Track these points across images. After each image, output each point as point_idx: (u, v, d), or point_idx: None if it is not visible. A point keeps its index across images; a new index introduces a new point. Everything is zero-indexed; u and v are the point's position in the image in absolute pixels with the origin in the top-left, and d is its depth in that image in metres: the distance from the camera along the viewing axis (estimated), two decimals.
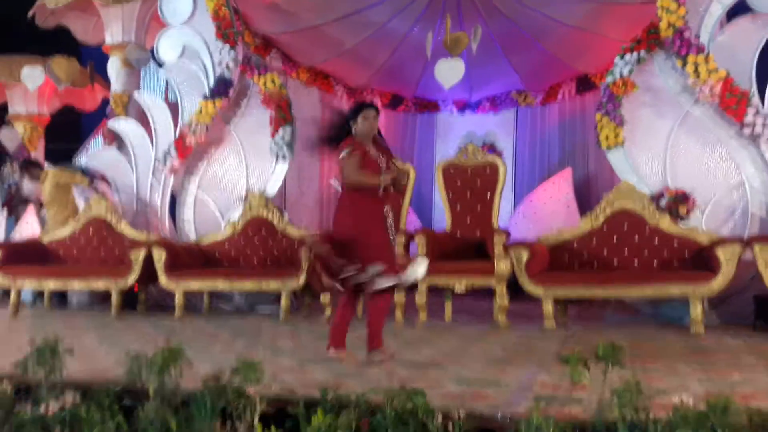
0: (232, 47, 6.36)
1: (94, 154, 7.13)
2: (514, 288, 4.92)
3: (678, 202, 5.10)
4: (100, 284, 5.95)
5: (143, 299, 6.25)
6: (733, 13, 5.37)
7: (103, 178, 6.84)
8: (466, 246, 5.40)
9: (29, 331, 4.68)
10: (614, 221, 5.07)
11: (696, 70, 5.11)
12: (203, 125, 6.44)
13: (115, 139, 7.20)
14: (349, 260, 3.32)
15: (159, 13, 6.78)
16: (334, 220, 3.59)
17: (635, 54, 5.42)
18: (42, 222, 7.11)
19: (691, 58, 5.12)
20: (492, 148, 8.21)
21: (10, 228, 7.63)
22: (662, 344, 3.97)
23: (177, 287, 5.66)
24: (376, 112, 3.51)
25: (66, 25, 8.11)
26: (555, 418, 2.02)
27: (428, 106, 8.80)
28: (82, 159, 7.18)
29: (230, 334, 4.64)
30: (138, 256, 5.75)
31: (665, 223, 4.96)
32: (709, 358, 3.46)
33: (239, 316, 5.76)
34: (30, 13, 7.72)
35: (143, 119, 6.96)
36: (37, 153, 8.74)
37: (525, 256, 4.71)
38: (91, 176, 6.74)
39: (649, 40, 5.40)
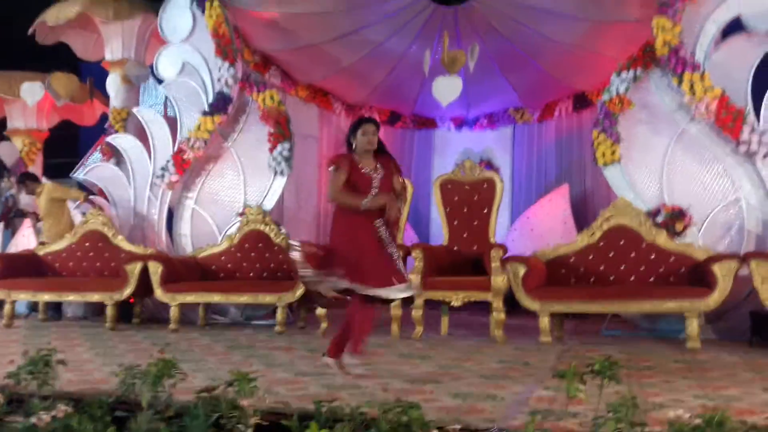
0: (232, 64, 6.40)
1: (92, 168, 7.14)
2: (510, 302, 4.91)
3: (674, 219, 5.12)
4: (95, 297, 5.95)
5: (138, 312, 6.23)
6: (727, 32, 5.42)
7: (100, 192, 6.86)
8: (463, 260, 5.40)
9: (23, 343, 4.66)
10: (611, 237, 5.08)
11: (692, 88, 5.15)
12: (201, 140, 6.48)
13: (113, 154, 7.23)
14: (333, 271, 3.34)
15: (159, 30, 6.84)
16: (330, 232, 3.63)
17: (631, 72, 5.47)
18: (38, 234, 7.11)
19: (686, 76, 5.16)
20: (489, 165, 8.25)
21: (6, 240, 7.63)
22: (658, 359, 3.95)
23: (172, 300, 5.65)
24: (376, 126, 3.52)
25: (66, 41, 8.17)
26: (550, 431, 2.01)
27: (426, 122, 8.86)
28: (80, 174, 7.19)
29: (225, 346, 4.62)
30: (134, 269, 5.75)
31: (662, 239, 4.97)
32: (705, 374, 3.45)
33: (234, 329, 5.74)
34: (30, 30, 7.77)
35: (142, 134, 6.99)
36: (35, 167, 8.75)
37: (522, 270, 4.71)
38: (88, 192, 6.79)
39: (645, 58, 5.45)
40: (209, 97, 6.56)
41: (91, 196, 7.16)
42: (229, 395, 2.36)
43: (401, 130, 8.76)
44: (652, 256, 4.95)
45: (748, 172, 5.15)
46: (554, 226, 7.00)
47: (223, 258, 6.15)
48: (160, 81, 7.09)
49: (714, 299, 4.37)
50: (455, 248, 5.58)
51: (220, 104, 6.46)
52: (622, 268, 5.00)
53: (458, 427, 2.14)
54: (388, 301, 3.55)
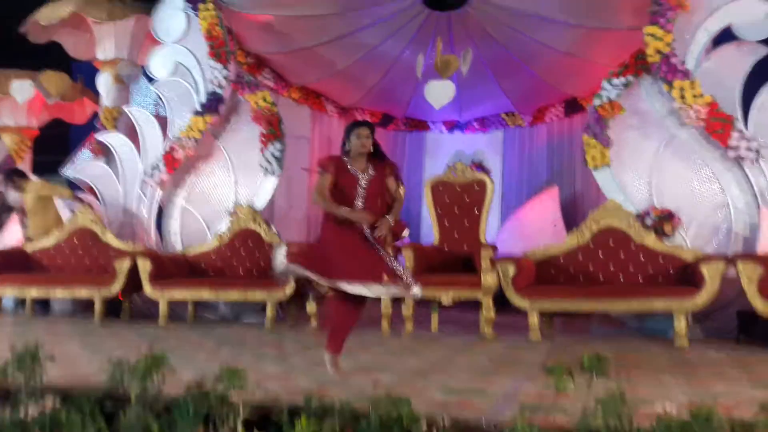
0: (224, 66, 6.40)
1: (81, 165, 7.10)
2: (500, 300, 4.94)
3: (663, 221, 5.16)
4: (83, 292, 5.90)
5: (127, 308, 6.20)
6: (718, 41, 5.48)
7: (90, 190, 6.82)
8: (454, 260, 5.42)
9: (9, 338, 4.62)
10: (600, 238, 5.13)
11: (682, 95, 5.20)
12: (193, 140, 6.46)
13: (103, 152, 7.19)
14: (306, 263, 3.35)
15: (152, 31, 6.82)
16: (320, 231, 3.64)
17: (622, 78, 5.52)
18: (25, 231, 7.06)
19: (677, 83, 5.22)
20: (480, 167, 8.29)
21: None
22: (647, 356, 3.99)
23: (162, 297, 5.63)
24: (370, 129, 3.52)
25: (58, 40, 8.13)
26: (539, 426, 2.02)
27: (418, 125, 8.88)
28: (70, 170, 7.15)
29: (215, 342, 4.61)
30: (123, 266, 5.72)
31: (651, 240, 5.02)
32: (693, 370, 3.49)
33: (224, 326, 5.72)
34: (22, 30, 7.72)
35: (132, 134, 6.96)
36: (24, 164, 8.68)
37: (512, 270, 4.73)
38: (76, 189, 6.77)
39: (637, 65, 5.50)
40: (201, 98, 6.54)
41: (79, 194, 7.12)
42: (219, 390, 2.36)
43: (393, 132, 8.78)
44: (641, 257, 4.99)
45: (736, 177, 5.21)
46: (544, 227, 7.04)
47: (213, 256, 6.13)
48: (151, 80, 7.06)
49: (702, 299, 4.42)
50: (446, 248, 5.60)
51: (212, 104, 6.45)
52: (611, 268, 5.04)
53: (448, 421, 2.14)
54: (367, 299, 3.44)
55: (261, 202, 6.38)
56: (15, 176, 6.86)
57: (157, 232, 6.71)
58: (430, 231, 5.99)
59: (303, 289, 5.23)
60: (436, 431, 2.11)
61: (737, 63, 5.31)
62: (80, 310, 6.52)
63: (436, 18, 6.52)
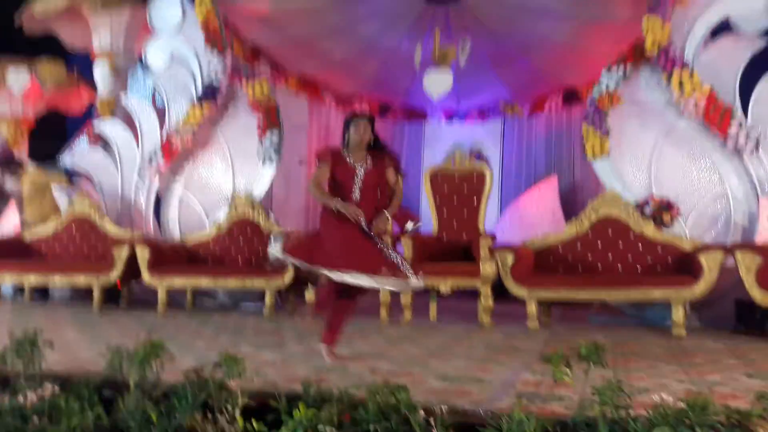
0: (221, 56, 6.36)
1: (79, 154, 7.08)
2: (498, 289, 4.95)
3: (662, 210, 5.16)
4: (81, 279, 5.91)
5: (126, 295, 6.20)
6: (716, 32, 5.46)
7: (88, 178, 6.81)
8: (453, 249, 5.42)
9: (8, 324, 4.62)
10: (599, 227, 5.13)
11: (680, 86, 5.20)
12: (190, 129, 6.44)
13: (100, 141, 7.17)
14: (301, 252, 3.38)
15: (148, 21, 6.78)
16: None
17: (621, 69, 5.50)
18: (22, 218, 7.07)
19: (675, 74, 5.21)
20: (479, 157, 8.28)
21: None
22: (644, 345, 4.00)
23: (160, 284, 5.63)
24: (368, 120, 3.50)
25: (54, 31, 8.07)
26: (536, 414, 2.03)
27: (417, 115, 8.86)
28: (67, 158, 7.13)
29: (213, 330, 4.62)
30: (121, 253, 5.72)
31: (649, 230, 5.02)
32: (690, 360, 3.49)
33: (223, 313, 5.73)
34: (18, 22, 7.67)
35: (129, 124, 6.94)
36: (21, 153, 8.65)
37: (510, 259, 4.74)
38: (72, 177, 6.78)
39: (635, 56, 5.49)
40: (198, 87, 6.53)
41: (76, 182, 7.11)
42: (218, 376, 2.37)
43: (392, 122, 8.75)
44: (640, 247, 4.99)
45: (735, 167, 5.21)
46: (543, 216, 7.04)
47: (211, 244, 6.13)
48: (147, 70, 7.03)
49: (700, 288, 4.43)
50: (444, 237, 5.60)
51: (209, 94, 6.43)
52: (609, 257, 5.04)
53: (445, 408, 2.15)
54: (362, 290, 3.43)
55: (259, 190, 6.37)
56: (11, 165, 6.86)
57: (155, 220, 6.71)
58: (429, 220, 5.98)
59: (302, 277, 5.24)
60: (434, 419, 2.11)
61: (735, 54, 5.31)
62: (79, 298, 6.53)
63: (434, 8, 6.48)
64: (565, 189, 7.47)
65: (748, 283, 4.30)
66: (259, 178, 6.39)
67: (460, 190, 5.68)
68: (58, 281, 6.10)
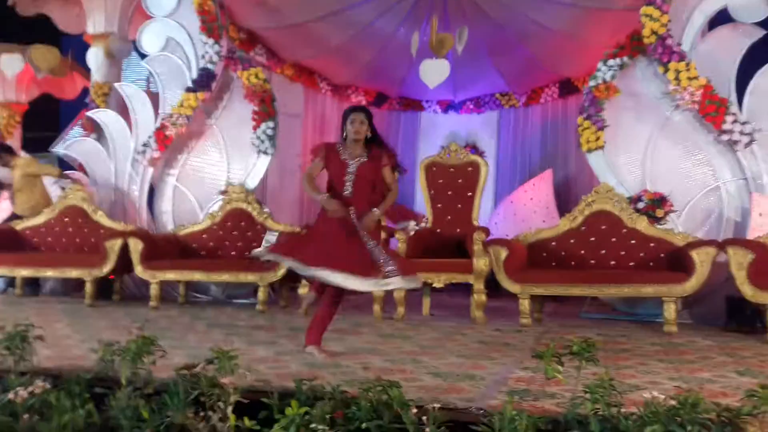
0: (216, 41, 6.32)
1: (73, 143, 7.03)
2: (491, 284, 4.95)
3: (655, 205, 5.17)
4: (74, 273, 5.87)
5: (118, 288, 6.18)
6: (714, 23, 5.45)
7: (80, 168, 6.76)
8: (446, 243, 5.42)
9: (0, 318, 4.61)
10: (592, 222, 5.13)
11: (677, 77, 5.19)
12: (184, 117, 6.40)
13: (94, 129, 7.12)
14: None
15: (143, 4, 6.72)
16: None
17: (618, 59, 5.49)
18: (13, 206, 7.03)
19: (672, 65, 5.20)
20: (474, 148, 8.27)
21: None
22: (635, 342, 4.01)
23: (153, 277, 5.61)
24: (365, 115, 3.47)
25: (47, 13, 7.98)
26: (528, 411, 2.03)
27: (412, 105, 8.83)
28: (60, 147, 7.08)
29: (206, 324, 4.62)
30: (114, 246, 5.69)
31: (642, 224, 5.03)
32: (681, 357, 3.51)
33: (216, 307, 5.72)
34: (11, 2, 7.58)
35: (123, 110, 6.89)
36: (14, 140, 8.58)
37: (503, 253, 4.74)
38: (66, 167, 6.73)
39: (632, 46, 5.47)
40: (193, 73, 6.47)
41: (69, 171, 7.06)
42: (210, 373, 2.36)
43: (387, 112, 8.72)
44: (633, 241, 5.00)
45: (729, 161, 5.22)
46: (537, 210, 7.04)
47: (204, 236, 6.11)
48: (143, 56, 6.97)
49: (691, 284, 4.44)
50: (438, 230, 5.59)
51: (203, 80, 6.38)
52: (602, 252, 5.05)
53: (437, 406, 2.15)
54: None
55: (253, 181, 6.35)
56: (2, 152, 6.79)
57: (148, 211, 6.68)
58: (423, 213, 5.97)
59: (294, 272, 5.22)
60: (426, 417, 2.12)
61: (732, 45, 5.30)
62: (71, 290, 6.50)
63: None
64: (560, 182, 7.47)
65: (739, 280, 4.31)
66: (254, 169, 6.37)
67: (454, 183, 5.68)
68: (50, 274, 6.07)
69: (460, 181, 5.66)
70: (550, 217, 6.75)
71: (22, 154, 7.21)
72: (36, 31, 8.39)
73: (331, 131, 8.13)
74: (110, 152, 6.77)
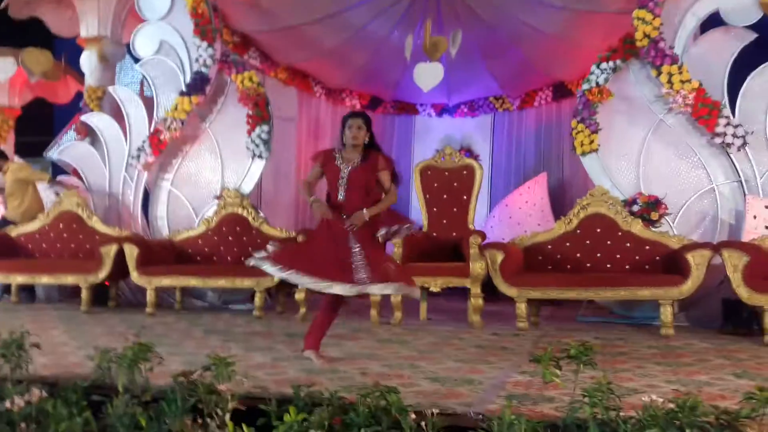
0: (210, 44, 6.30)
1: (66, 147, 7.00)
2: (488, 288, 4.95)
3: (650, 207, 5.19)
4: (69, 279, 5.86)
5: (114, 295, 6.16)
6: (706, 26, 5.48)
7: (74, 173, 6.73)
8: (442, 246, 5.42)
9: None
10: (587, 225, 5.14)
11: (670, 80, 5.21)
12: (178, 121, 6.38)
13: (88, 134, 7.09)
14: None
15: (136, 7, 6.70)
16: None
17: (611, 63, 5.51)
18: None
19: (665, 68, 5.22)
20: (469, 152, 8.29)
21: None
22: (633, 345, 4.03)
23: (149, 283, 5.59)
24: (363, 120, 3.51)
25: (40, 16, 7.95)
26: (527, 416, 2.03)
27: (407, 108, 8.84)
28: (54, 152, 7.04)
29: (203, 330, 4.60)
30: (109, 252, 5.67)
31: (637, 227, 5.04)
32: (678, 359, 3.53)
33: (212, 313, 5.71)
34: (3, 4, 7.55)
35: (118, 114, 6.87)
36: (7, 145, 8.53)
37: (499, 257, 4.74)
38: (60, 172, 6.71)
39: (625, 49, 5.49)
40: (187, 77, 6.46)
41: (62, 176, 7.03)
42: (207, 380, 2.35)
43: (382, 116, 8.73)
44: (628, 244, 5.01)
45: (723, 164, 5.24)
46: (532, 213, 7.06)
47: (200, 241, 6.09)
48: (136, 60, 6.95)
49: (687, 287, 4.46)
50: (434, 234, 5.59)
51: (197, 84, 6.36)
52: (598, 255, 5.06)
53: (436, 411, 2.15)
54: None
55: (248, 185, 6.34)
56: None
57: (143, 216, 6.65)
58: (418, 218, 5.98)
59: None
60: (425, 422, 2.12)
61: (724, 48, 5.33)
62: (66, 297, 6.47)
63: None
64: (554, 185, 7.49)
65: (735, 282, 4.33)
66: (249, 173, 6.35)
67: (450, 186, 5.68)
68: (45, 281, 6.05)
69: (455, 184, 5.66)
70: (545, 221, 6.76)
71: (16, 159, 7.17)
72: (29, 34, 8.35)
73: (326, 135, 8.13)
74: (104, 157, 6.74)
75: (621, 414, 2.03)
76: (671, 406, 1.97)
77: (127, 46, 7.03)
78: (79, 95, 8.08)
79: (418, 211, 5.87)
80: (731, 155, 5.18)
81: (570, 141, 5.71)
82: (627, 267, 4.98)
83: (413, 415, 2.11)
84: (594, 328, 4.87)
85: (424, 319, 5.20)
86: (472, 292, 4.87)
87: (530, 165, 8.08)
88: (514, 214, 7.19)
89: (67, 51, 8.43)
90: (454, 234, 5.48)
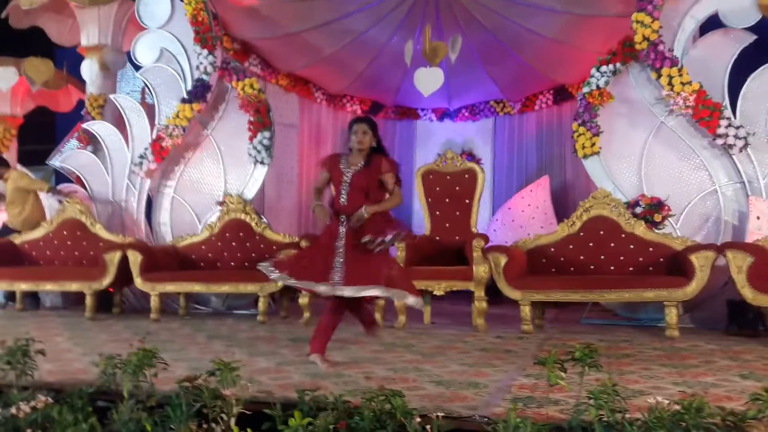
0: (211, 52, 6.33)
1: (69, 155, 7.02)
2: (492, 291, 4.95)
3: (653, 209, 5.18)
4: (73, 286, 5.87)
5: (118, 301, 6.17)
6: (705, 28, 5.49)
7: (78, 180, 6.76)
8: (445, 250, 5.42)
9: (0, 333, 4.57)
10: (590, 227, 5.14)
11: (670, 83, 5.22)
12: (180, 128, 6.40)
13: (90, 142, 7.12)
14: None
15: (136, 16, 6.73)
16: None
17: (611, 66, 5.51)
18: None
19: (665, 71, 5.23)
20: (471, 156, 8.30)
21: None
22: (638, 347, 4.01)
23: (152, 289, 5.60)
24: (368, 125, 3.56)
25: (41, 26, 7.99)
26: (532, 418, 2.03)
27: (408, 113, 8.85)
28: (57, 161, 7.07)
29: (207, 336, 4.60)
30: (113, 258, 5.68)
31: (640, 229, 5.04)
32: (684, 361, 3.51)
33: (216, 318, 5.71)
34: (4, 14, 7.59)
35: (119, 122, 6.90)
36: (10, 154, 8.56)
37: (503, 260, 4.74)
38: (56, 190, 6.74)
39: (625, 52, 5.50)
40: (188, 84, 6.48)
41: (64, 184, 7.06)
42: (212, 385, 2.35)
43: (383, 121, 8.73)
44: (631, 246, 5.01)
45: (725, 165, 5.24)
46: (535, 216, 7.06)
47: (203, 247, 6.10)
48: (137, 67, 6.98)
49: (692, 288, 4.45)
50: (437, 238, 5.60)
51: (198, 91, 6.39)
52: (601, 257, 5.06)
53: (441, 414, 2.15)
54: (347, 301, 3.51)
55: (251, 191, 6.35)
56: None
57: (146, 222, 6.67)
58: (421, 221, 5.99)
59: None
60: (430, 425, 2.11)
61: (724, 50, 5.33)
62: (71, 304, 6.48)
63: (424, 3, 6.46)
64: (556, 187, 7.49)
65: (740, 283, 4.32)
66: (251, 179, 6.36)
67: (452, 190, 5.68)
68: (50, 288, 6.07)
69: (457, 188, 5.67)
70: (548, 223, 6.76)
71: (18, 167, 7.20)
72: (30, 43, 8.39)
73: (327, 140, 8.14)
74: (107, 164, 6.77)
75: (627, 416, 2.02)
76: (677, 407, 1.97)
77: (128, 54, 7.07)
78: (80, 103, 8.12)
79: (420, 216, 5.88)
80: (733, 156, 5.18)
81: (571, 144, 5.71)
82: (631, 269, 4.97)
83: (418, 419, 2.11)
84: (599, 330, 4.86)
85: (428, 322, 5.19)
86: (476, 296, 4.87)
87: (532, 168, 8.08)
88: (517, 218, 7.19)
89: (68, 60, 8.47)
90: (457, 238, 5.48)
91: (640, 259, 4.97)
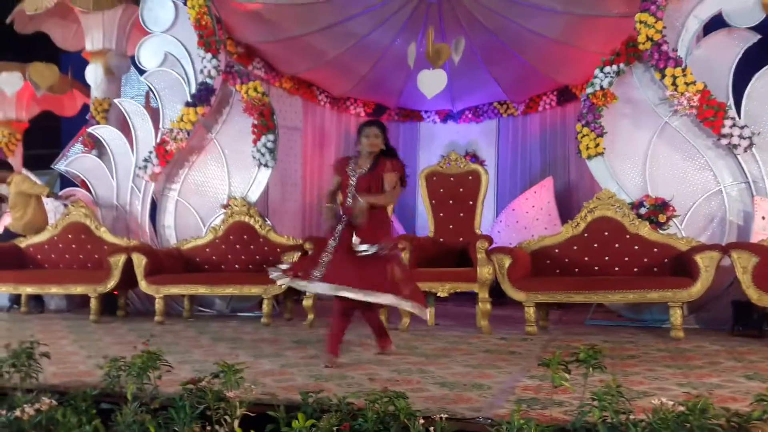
0: (214, 56, 6.35)
1: (74, 159, 7.06)
2: (496, 293, 4.94)
3: (657, 210, 5.16)
4: (78, 289, 5.89)
5: (123, 304, 6.19)
6: (709, 28, 5.48)
7: (83, 184, 6.79)
8: (449, 252, 5.41)
9: (5, 336, 4.60)
10: (595, 228, 5.13)
11: (674, 83, 5.20)
12: (184, 131, 6.42)
13: (95, 146, 7.15)
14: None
15: (140, 20, 6.77)
16: None
17: (615, 66, 5.50)
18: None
19: (669, 71, 5.22)
20: (474, 157, 8.29)
21: None
22: (642, 348, 4.00)
23: (157, 292, 5.61)
24: (378, 128, 3.62)
25: (45, 31, 8.04)
26: (536, 420, 2.03)
27: (411, 115, 8.86)
28: (62, 165, 7.10)
29: (211, 338, 4.61)
30: (118, 261, 5.70)
31: (645, 230, 5.03)
32: (689, 362, 3.50)
33: (221, 320, 5.72)
34: (9, 19, 7.63)
35: (124, 126, 6.93)
36: (15, 158, 8.61)
37: (507, 262, 4.74)
38: (56, 195, 6.78)
39: (628, 53, 5.49)
40: (192, 88, 6.50)
41: (69, 189, 7.09)
42: (216, 387, 2.36)
43: (386, 123, 8.72)
44: (636, 247, 5.00)
45: (729, 165, 5.22)
46: (539, 218, 7.05)
47: (207, 250, 6.11)
48: (141, 72, 7.01)
49: (696, 289, 4.43)
50: (441, 240, 5.59)
51: (202, 95, 6.41)
52: (606, 258, 5.05)
53: (445, 416, 2.15)
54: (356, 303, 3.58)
55: (255, 194, 6.36)
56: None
57: (151, 225, 6.69)
58: (425, 223, 5.99)
59: None
60: (433, 427, 2.11)
61: (728, 50, 5.31)
62: (76, 307, 6.51)
63: (427, 6, 6.47)
64: (560, 189, 7.47)
65: (745, 283, 4.30)
66: (255, 182, 6.38)
67: (455, 192, 5.68)
68: (54, 291, 6.09)
69: (461, 190, 5.66)
70: (552, 225, 6.75)
71: (23, 171, 7.23)
72: (35, 49, 8.44)
73: (331, 143, 8.15)
74: (112, 168, 6.80)
75: (631, 417, 2.02)
76: (682, 408, 1.96)
77: (132, 58, 7.10)
78: (85, 108, 8.16)
79: (424, 217, 5.87)
80: (738, 156, 5.16)
81: (575, 145, 5.71)
82: (635, 270, 4.96)
83: (422, 421, 2.11)
84: (603, 331, 4.84)
85: (432, 324, 5.19)
86: (480, 297, 4.86)
87: (536, 169, 8.07)
88: (521, 219, 7.18)
89: (72, 64, 8.51)
90: (461, 239, 5.47)
91: (645, 259, 4.96)
